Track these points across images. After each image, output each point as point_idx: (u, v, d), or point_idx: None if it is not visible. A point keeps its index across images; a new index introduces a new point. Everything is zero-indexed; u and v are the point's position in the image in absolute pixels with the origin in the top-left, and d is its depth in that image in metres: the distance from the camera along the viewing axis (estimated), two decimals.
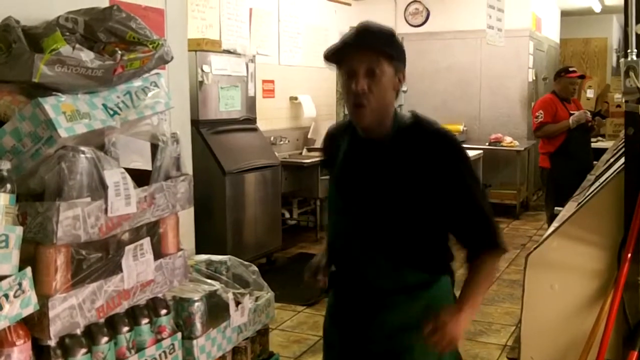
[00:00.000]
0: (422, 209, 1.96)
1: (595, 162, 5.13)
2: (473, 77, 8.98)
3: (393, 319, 2.02)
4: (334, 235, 2.14)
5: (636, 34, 2.50)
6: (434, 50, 9.04)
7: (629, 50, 2.46)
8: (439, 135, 2.01)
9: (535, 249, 2.75)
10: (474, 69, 8.95)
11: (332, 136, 2.23)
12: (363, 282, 2.06)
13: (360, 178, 2.01)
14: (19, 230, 1.50)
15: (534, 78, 9.16)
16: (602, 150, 5.56)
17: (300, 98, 7.74)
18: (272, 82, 7.40)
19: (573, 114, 5.81)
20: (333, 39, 8.79)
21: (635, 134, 2.54)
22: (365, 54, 1.89)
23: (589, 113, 5.97)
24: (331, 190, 2.15)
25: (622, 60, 2.49)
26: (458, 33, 8.93)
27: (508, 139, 8.49)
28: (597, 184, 3.03)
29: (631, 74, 2.45)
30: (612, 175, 2.72)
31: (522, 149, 8.43)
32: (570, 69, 6.09)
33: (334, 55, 1.95)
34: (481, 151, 7.85)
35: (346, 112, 5.21)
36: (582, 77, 5.99)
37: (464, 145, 2.16)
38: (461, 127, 8.71)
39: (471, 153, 7.55)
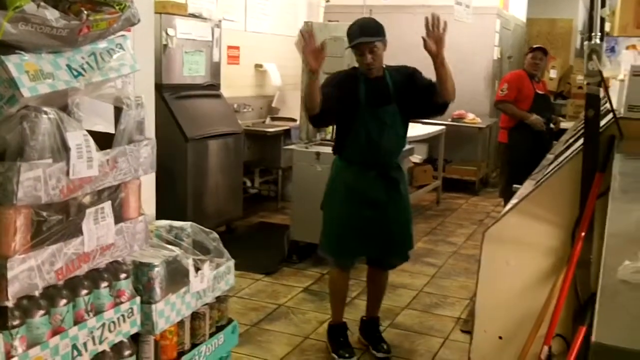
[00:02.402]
0: (408, 103, 3.58)
1: (554, 142, 5.23)
2: None
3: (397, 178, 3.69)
4: (369, 132, 3.52)
5: (601, 17, 2.54)
6: (401, 26, 9.02)
7: (592, 34, 2.51)
8: (401, 65, 3.73)
9: (492, 225, 2.81)
10: None
11: (343, 79, 3.59)
12: (385, 160, 3.63)
13: (385, 95, 3.56)
14: None
15: (499, 56, 9.23)
16: (562, 131, 5.65)
17: (266, 66, 7.69)
18: (237, 48, 7.32)
19: (538, 93, 5.93)
20: (302, 7, 8.72)
21: (595, 115, 2.59)
22: (367, 41, 3.40)
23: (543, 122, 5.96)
24: (365, 110, 3.52)
25: (585, 43, 2.54)
26: (427, 8, 8.90)
27: (471, 116, 8.55)
28: (555, 163, 3.09)
29: (594, 57, 2.50)
30: (570, 156, 2.77)
31: (484, 126, 8.51)
32: (534, 46, 6.30)
33: (352, 45, 3.44)
34: (443, 127, 7.88)
35: None
36: (540, 49, 6.07)
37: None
38: None
39: (433, 129, 7.60)
